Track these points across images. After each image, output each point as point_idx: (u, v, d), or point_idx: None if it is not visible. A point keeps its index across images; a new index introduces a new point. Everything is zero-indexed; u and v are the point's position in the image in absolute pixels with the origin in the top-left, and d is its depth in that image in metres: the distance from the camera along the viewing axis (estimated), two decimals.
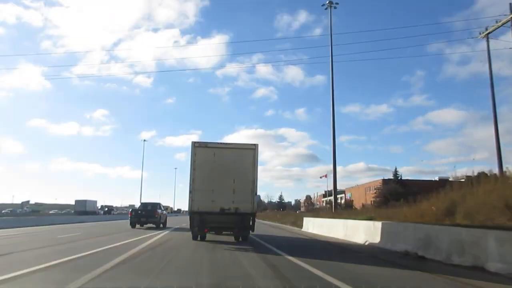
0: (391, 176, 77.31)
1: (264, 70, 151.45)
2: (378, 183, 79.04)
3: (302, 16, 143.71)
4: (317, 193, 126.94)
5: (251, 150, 13.05)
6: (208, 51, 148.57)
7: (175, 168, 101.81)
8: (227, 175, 12.76)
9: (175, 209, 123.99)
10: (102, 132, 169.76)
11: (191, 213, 12.71)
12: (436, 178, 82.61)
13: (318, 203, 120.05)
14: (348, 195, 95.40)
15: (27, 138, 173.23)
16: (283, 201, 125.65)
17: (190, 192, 12.67)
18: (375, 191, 73.91)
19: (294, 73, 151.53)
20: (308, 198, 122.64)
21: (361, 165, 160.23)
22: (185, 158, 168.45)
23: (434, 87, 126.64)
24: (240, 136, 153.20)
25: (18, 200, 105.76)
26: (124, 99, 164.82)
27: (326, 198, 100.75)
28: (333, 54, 31.69)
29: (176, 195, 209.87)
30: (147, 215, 24.29)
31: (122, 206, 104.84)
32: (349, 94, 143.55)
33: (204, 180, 12.72)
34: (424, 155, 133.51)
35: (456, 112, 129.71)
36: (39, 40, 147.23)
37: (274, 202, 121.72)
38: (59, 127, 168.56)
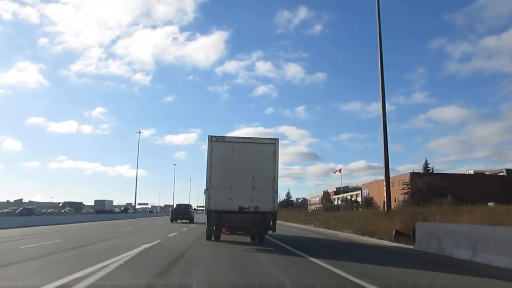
0: (395, 174, 73.12)
1: (263, 67, 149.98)
2: (405, 177, 71.66)
3: (302, 13, 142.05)
4: (328, 190, 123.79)
5: (271, 145, 12.40)
6: (207, 48, 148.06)
7: (174, 165, 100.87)
8: (246, 172, 12.10)
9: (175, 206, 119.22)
10: (101, 130, 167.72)
11: (208, 212, 12.02)
12: (471, 172, 78.37)
13: (329, 200, 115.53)
14: (365, 192, 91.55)
15: (26, 137, 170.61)
16: (291, 199, 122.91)
17: (207, 189, 12.03)
18: (403, 186, 66.61)
19: (294, 71, 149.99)
20: (326, 194, 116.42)
21: (361, 163, 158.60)
22: (184, 156, 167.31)
23: (436, 84, 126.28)
24: (240, 135, 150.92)
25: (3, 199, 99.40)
26: (123, 97, 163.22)
27: (340, 195, 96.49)
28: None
29: (175, 193, 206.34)
30: (183, 213, 33.06)
31: (119, 204, 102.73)
32: (350, 92, 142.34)
33: (222, 177, 12.06)
34: (425, 153, 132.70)
35: (458, 109, 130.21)
36: (36, 37, 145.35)
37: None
38: (58, 126, 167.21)
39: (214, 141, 12.24)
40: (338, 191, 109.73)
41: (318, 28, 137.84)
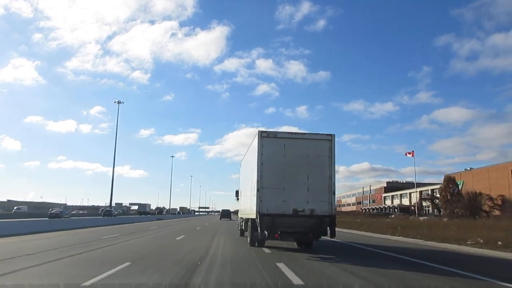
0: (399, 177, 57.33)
1: (264, 65, 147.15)
2: None
3: (305, 7, 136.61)
4: (370, 187, 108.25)
5: (327, 141, 11.23)
6: (207, 44, 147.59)
7: (172, 156, 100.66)
8: (300, 171, 11.05)
9: (171, 208, 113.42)
10: (100, 130, 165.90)
11: (260, 215, 10.95)
12: None
13: (375, 200, 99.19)
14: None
15: (24, 136, 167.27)
16: None
17: (258, 190, 11.05)
18: None
19: (296, 69, 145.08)
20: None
21: (365, 165, 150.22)
22: (185, 157, 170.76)
23: (441, 83, 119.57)
24: (240, 135, 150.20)
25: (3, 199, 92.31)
26: (121, 96, 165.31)
27: (416, 190, 71.15)
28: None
29: (177, 193, 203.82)
30: (226, 214, 61.23)
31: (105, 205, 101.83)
32: (353, 91, 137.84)
33: (274, 177, 11.08)
34: (429, 155, 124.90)
35: (463, 110, 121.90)
36: (30, 32, 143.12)
37: None
38: (57, 125, 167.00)
39: (265, 136, 11.30)
40: (389, 188, 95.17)
41: (321, 23, 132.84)
